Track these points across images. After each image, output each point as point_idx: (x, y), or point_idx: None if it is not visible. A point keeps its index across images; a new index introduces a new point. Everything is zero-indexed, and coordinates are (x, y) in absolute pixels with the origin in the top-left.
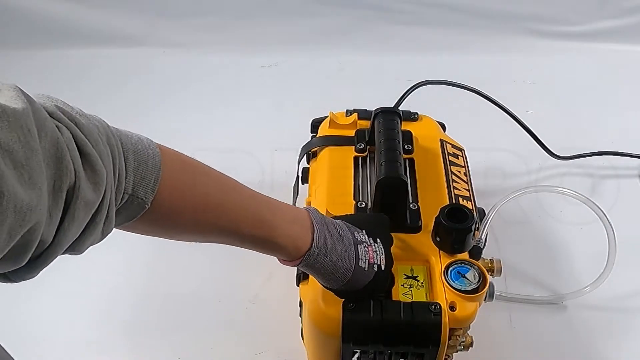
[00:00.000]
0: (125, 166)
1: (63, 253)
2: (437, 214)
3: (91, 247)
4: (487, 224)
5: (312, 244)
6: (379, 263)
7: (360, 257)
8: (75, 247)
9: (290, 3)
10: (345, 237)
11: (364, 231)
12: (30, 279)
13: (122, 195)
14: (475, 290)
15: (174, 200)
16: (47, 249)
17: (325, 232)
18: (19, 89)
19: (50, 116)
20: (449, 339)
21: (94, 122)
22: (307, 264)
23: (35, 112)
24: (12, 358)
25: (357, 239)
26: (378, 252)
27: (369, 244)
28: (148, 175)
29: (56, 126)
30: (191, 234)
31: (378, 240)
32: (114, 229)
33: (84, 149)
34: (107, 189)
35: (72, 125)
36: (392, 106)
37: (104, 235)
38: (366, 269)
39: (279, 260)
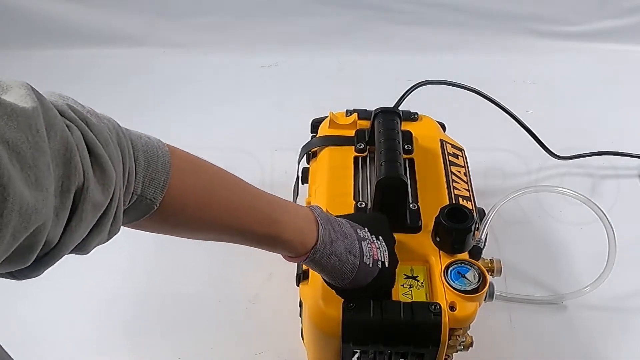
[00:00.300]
0: (135, 167)
1: (69, 253)
2: (437, 214)
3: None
4: (487, 224)
5: (317, 240)
6: (382, 260)
7: (364, 253)
8: (82, 247)
9: (290, 3)
10: (349, 234)
11: (366, 228)
12: (35, 277)
13: (131, 195)
14: (475, 290)
15: (182, 200)
16: (53, 249)
17: (330, 229)
18: (30, 87)
19: (61, 115)
20: (449, 339)
21: (104, 122)
22: (312, 259)
23: (46, 111)
24: (11, 358)
25: (360, 235)
26: (381, 249)
27: (372, 240)
28: (157, 176)
29: (67, 125)
30: (200, 232)
31: (380, 237)
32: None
33: (94, 150)
34: (115, 190)
35: (83, 125)
36: (392, 106)
37: (110, 235)
38: (370, 266)
39: (283, 257)
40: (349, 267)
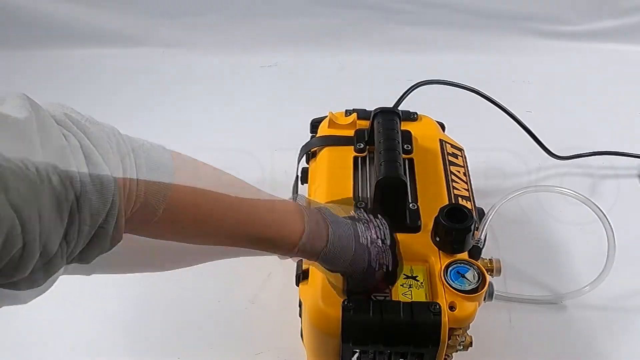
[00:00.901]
0: (137, 174)
1: (71, 262)
2: (437, 214)
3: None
4: (487, 224)
5: (304, 228)
6: (383, 238)
7: (359, 234)
8: (83, 257)
9: (290, 3)
10: (338, 217)
11: (361, 209)
12: (36, 287)
13: (134, 203)
14: (474, 290)
15: (184, 206)
16: (52, 258)
17: (317, 216)
18: (26, 97)
19: (58, 124)
20: (449, 339)
21: (105, 130)
22: (304, 250)
23: (41, 120)
24: None
25: (353, 217)
26: (381, 227)
27: (368, 219)
28: (160, 183)
29: (63, 134)
30: (199, 233)
31: (378, 215)
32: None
33: (91, 157)
34: (114, 198)
35: (80, 134)
36: (392, 106)
37: (112, 244)
38: (368, 245)
39: (278, 256)
40: (345, 246)
